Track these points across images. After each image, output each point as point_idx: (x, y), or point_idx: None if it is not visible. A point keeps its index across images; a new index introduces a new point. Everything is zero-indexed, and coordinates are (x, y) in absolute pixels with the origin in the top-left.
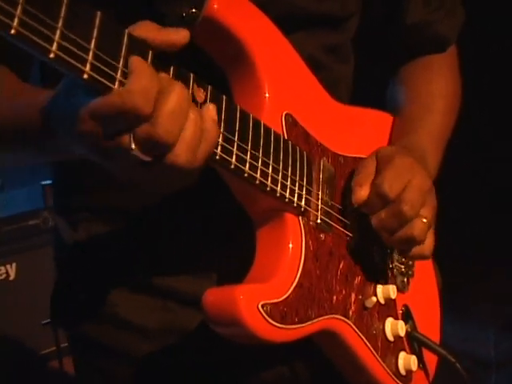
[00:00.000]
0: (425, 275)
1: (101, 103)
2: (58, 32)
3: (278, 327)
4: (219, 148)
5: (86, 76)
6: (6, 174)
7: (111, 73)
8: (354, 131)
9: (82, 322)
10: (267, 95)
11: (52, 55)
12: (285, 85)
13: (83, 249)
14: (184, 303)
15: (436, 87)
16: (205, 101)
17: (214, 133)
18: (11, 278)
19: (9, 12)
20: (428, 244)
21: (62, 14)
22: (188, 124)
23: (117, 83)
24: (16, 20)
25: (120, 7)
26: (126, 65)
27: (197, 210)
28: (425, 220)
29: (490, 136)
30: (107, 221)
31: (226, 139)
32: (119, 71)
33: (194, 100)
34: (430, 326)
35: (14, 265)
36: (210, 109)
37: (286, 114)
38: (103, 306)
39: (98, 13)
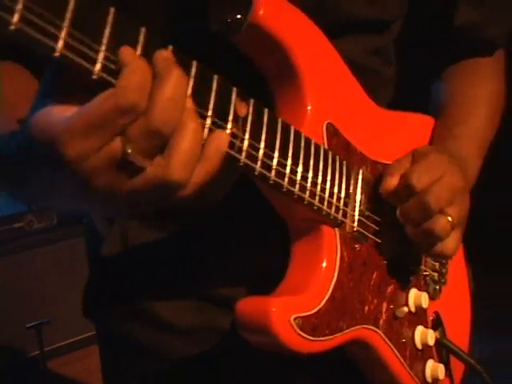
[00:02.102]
0: (458, 282)
1: (95, 111)
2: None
3: (309, 340)
4: (259, 163)
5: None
6: None
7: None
8: (395, 137)
9: (114, 319)
10: (309, 108)
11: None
12: (328, 94)
13: (120, 246)
14: (221, 306)
15: (480, 92)
16: (247, 115)
17: (216, 160)
18: None
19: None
20: (450, 244)
21: None
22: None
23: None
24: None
25: (170, 12)
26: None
27: (236, 217)
28: (450, 218)
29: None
30: (145, 219)
31: (266, 155)
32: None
33: (235, 114)
34: (460, 334)
35: None
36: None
37: (327, 124)
38: (138, 304)
39: None
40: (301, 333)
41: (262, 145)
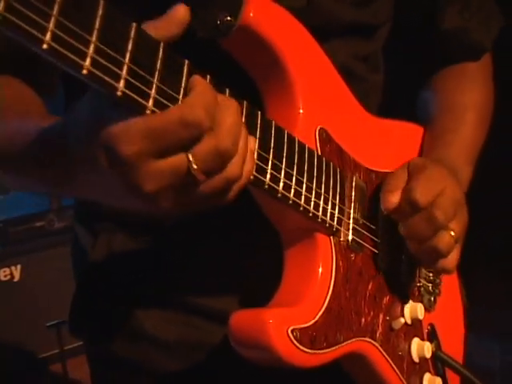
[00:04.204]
0: (451, 294)
1: (160, 119)
2: (92, 46)
3: (307, 352)
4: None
5: (119, 93)
6: None
7: (146, 89)
8: (385, 145)
9: (102, 336)
10: (301, 111)
11: (85, 71)
12: (319, 98)
13: (104, 260)
14: (209, 319)
15: (469, 98)
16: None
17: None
18: (16, 279)
19: (41, 25)
20: (452, 258)
21: (97, 26)
22: (242, 139)
23: (151, 101)
24: (48, 34)
25: (155, 15)
26: (161, 80)
27: (224, 226)
28: (453, 233)
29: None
30: (130, 232)
31: (260, 157)
32: (154, 87)
33: None
34: (454, 346)
35: (18, 266)
36: (251, 140)
37: (320, 129)
38: (125, 320)
39: (134, 24)
40: (298, 345)
41: (257, 147)
